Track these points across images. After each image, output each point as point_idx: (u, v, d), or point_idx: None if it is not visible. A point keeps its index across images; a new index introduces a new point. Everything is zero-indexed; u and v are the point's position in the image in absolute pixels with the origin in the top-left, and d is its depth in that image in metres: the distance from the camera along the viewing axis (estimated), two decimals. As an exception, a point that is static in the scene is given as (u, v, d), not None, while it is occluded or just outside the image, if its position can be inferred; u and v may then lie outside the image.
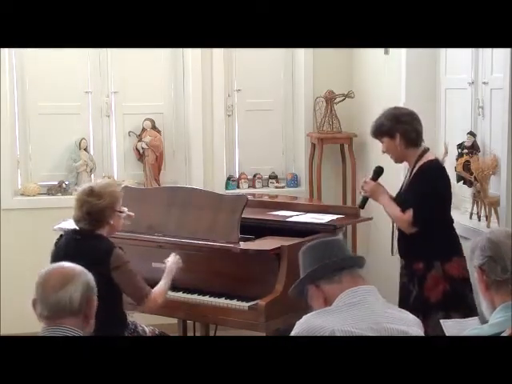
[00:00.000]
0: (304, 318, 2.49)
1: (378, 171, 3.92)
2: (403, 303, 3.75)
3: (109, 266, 3.41)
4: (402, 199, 3.80)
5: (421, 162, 3.76)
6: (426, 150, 3.79)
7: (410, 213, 3.69)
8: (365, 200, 3.96)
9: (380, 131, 3.83)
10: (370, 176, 3.92)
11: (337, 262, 2.58)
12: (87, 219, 3.51)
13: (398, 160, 3.89)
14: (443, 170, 3.79)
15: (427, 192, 3.67)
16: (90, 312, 2.41)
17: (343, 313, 2.46)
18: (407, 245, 3.81)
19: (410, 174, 3.82)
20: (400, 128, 3.76)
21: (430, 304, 3.68)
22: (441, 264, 3.68)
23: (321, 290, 2.58)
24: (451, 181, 4.40)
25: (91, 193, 3.53)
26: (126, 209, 3.67)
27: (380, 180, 3.95)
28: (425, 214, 3.68)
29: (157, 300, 3.61)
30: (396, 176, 4.31)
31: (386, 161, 4.06)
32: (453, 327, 2.92)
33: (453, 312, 3.65)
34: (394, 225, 3.90)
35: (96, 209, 3.51)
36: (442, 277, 3.68)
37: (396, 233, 3.91)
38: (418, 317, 3.56)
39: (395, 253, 3.94)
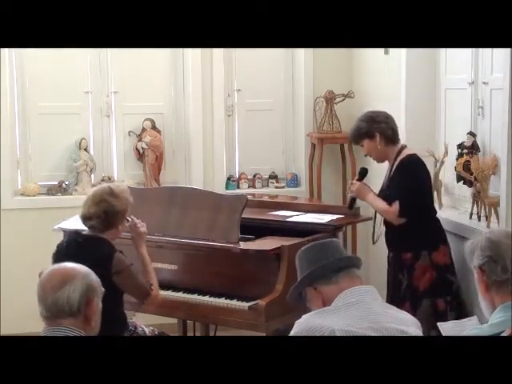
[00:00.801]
0: (303, 317, 2.49)
1: (363, 172, 4.13)
2: (394, 293, 3.94)
3: (110, 270, 3.40)
4: (386, 194, 3.97)
5: (400, 157, 3.96)
6: (404, 147, 4.01)
7: (396, 205, 3.87)
8: (352, 200, 4.16)
9: (359, 134, 4.01)
10: (356, 177, 4.12)
11: (334, 263, 2.59)
12: (102, 217, 3.50)
13: (380, 159, 4.08)
14: (423, 162, 4.00)
15: (410, 184, 3.87)
16: (90, 313, 2.40)
17: (342, 312, 2.46)
18: (395, 237, 3.98)
19: (391, 169, 4.01)
20: (378, 127, 3.96)
21: (419, 292, 3.87)
22: (428, 253, 3.86)
23: (319, 291, 2.59)
24: (453, 181, 4.42)
25: (111, 193, 3.53)
26: (129, 219, 3.67)
27: (373, 183, 4.05)
28: (410, 204, 3.86)
29: (157, 293, 3.64)
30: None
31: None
32: (451, 329, 2.92)
33: (439, 299, 3.87)
34: (377, 218, 4.12)
35: (112, 209, 3.51)
36: (429, 265, 3.87)
37: (383, 227, 4.09)
38: (408, 305, 3.77)
39: (376, 241, 4.19)
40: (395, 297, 3.90)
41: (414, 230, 3.87)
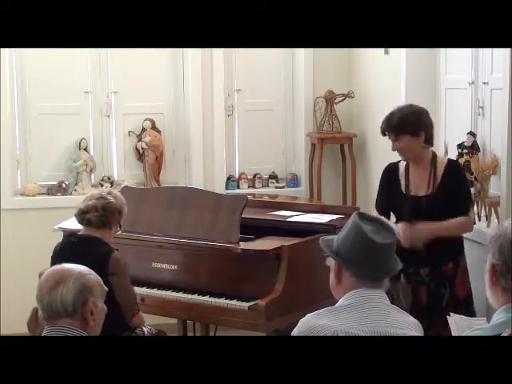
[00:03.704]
0: (307, 316, 2.47)
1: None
2: (434, 308, 3.64)
3: (107, 269, 3.41)
4: (437, 199, 3.64)
5: (444, 162, 3.74)
6: (435, 152, 3.80)
7: (470, 215, 3.73)
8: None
9: (404, 127, 3.66)
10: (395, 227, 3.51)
11: (368, 274, 2.46)
12: (100, 212, 3.55)
13: (413, 158, 3.73)
14: None
15: (469, 190, 3.78)
16: (87, 313, 2.40)
17: (346, 313, 2.43)
18: (435, 250, 3.62)
19: (434, 173, 3.69)
20: (424, 126, 3.69)
21: (459, 302, 3.67)
22: (464, 261, 3.72)
23: (340, 271, 2.51)
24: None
25: (109, 192, 3.66)
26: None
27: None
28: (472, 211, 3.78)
29: (142, 317, 3.67)
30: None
31: (385, 161, 4.06)
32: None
33: (472, 306, 3.70)
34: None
35: (109, 207, 3.57)
36: (465, 273, 3.73)
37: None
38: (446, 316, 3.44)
39: None
40: (436, 311, 3.60)
41: (454, 238, 3.69)
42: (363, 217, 2.56)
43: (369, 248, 2.47)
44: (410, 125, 3.66)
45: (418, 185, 3.73)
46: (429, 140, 3.72)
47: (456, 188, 3.67)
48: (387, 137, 3.77)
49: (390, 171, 3.87)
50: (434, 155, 3.75)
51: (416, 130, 3.66)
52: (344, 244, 2.53)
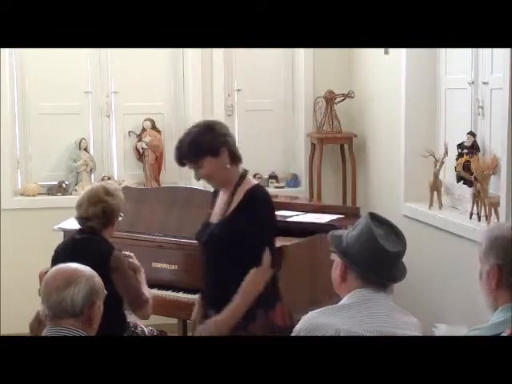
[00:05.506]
0: (309, 314, 2.45)
1: None
2: None
3: (109, 265, 3.41)
4: (229, 229, 3.15)
5: (247, 186, 3.19)
6: (246, 172, 3.27)
7: (267, 257, 3.11)
8: None
9: (200, 150, 3.11)
10: None
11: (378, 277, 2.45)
12: (100, 218, 3.52)
13: (222, 183, 3.21)
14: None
15: (273, 225, 3.21)
16: (92, 315, 2.40)
17: (349, 312, 2.42)
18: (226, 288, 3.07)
19: (231, 198, 3.20)
20: (224, 142, 3.15)
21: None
22: (264, 312, 3.19)
23: (346, 271, 2.50)
24: (453, 181, 4.41)
25: (107, 192, 3.57)
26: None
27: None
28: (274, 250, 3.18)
29: (151, 306, 3.62)
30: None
31: (385, 161, 4.08)
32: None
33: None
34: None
35: (110, 208, 3.55)
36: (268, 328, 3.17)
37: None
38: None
39: None
40: None
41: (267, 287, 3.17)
42: (375, 218, 2.54)
43: (378, 254, 2.45)
44: (207, 146, 3.12)
45: (216, 210, 3.33)
46: (236, 157, 3.20)
47: (250, 221, 3.06)
48: (187, 166, 3.25)
49: (212, 195, 3.45)
50: (242, 177, 3.22)
51: (215, 147, 3.13)
52: (353, 245, 2.50)
